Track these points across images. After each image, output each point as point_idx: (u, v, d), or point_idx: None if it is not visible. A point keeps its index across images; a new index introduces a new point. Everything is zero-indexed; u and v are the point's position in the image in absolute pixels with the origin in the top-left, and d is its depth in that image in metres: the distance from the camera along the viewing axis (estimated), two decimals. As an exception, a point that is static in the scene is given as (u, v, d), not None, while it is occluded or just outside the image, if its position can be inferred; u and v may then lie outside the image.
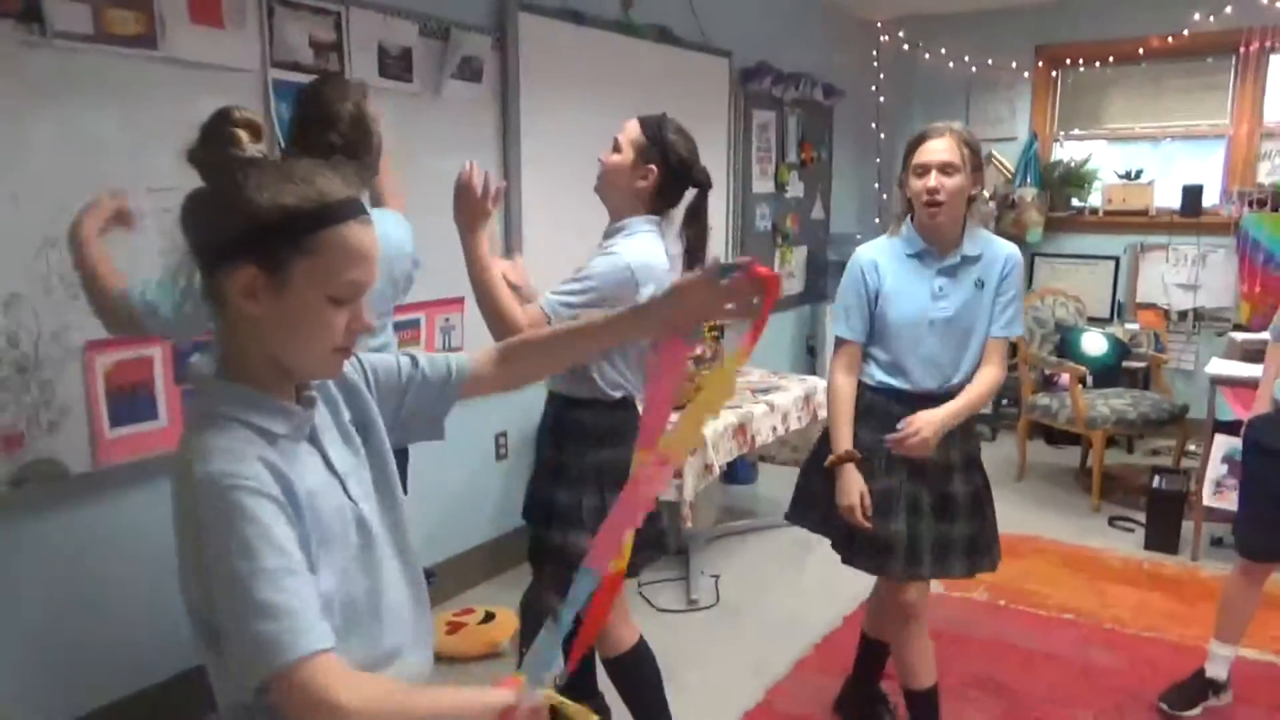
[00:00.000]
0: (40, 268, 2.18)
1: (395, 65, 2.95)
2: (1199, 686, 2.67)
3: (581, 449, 2.14)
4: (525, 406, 3.68)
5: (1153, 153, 5.57)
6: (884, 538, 2.21)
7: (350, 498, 1.10)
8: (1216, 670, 2.66)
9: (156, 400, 2.42)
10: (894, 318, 2.22)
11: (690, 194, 2.15)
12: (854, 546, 2.27)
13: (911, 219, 2.23)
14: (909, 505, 2.23)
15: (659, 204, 2.15)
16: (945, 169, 2.11)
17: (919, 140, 2.18)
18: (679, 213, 2.19)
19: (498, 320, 1.96)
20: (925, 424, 2.13)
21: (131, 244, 2.35)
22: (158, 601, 2.52)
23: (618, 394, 2.14)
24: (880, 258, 2.26)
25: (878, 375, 2.26)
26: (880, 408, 2.23)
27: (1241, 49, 4.95)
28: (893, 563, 2.22)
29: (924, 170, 2.14)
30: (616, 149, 2.13)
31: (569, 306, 2.00)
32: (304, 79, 2.66)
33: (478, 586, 3.50)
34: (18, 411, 2.16)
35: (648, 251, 2.09)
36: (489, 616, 3.14)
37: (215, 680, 1.08)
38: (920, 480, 2.23)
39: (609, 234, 2.16)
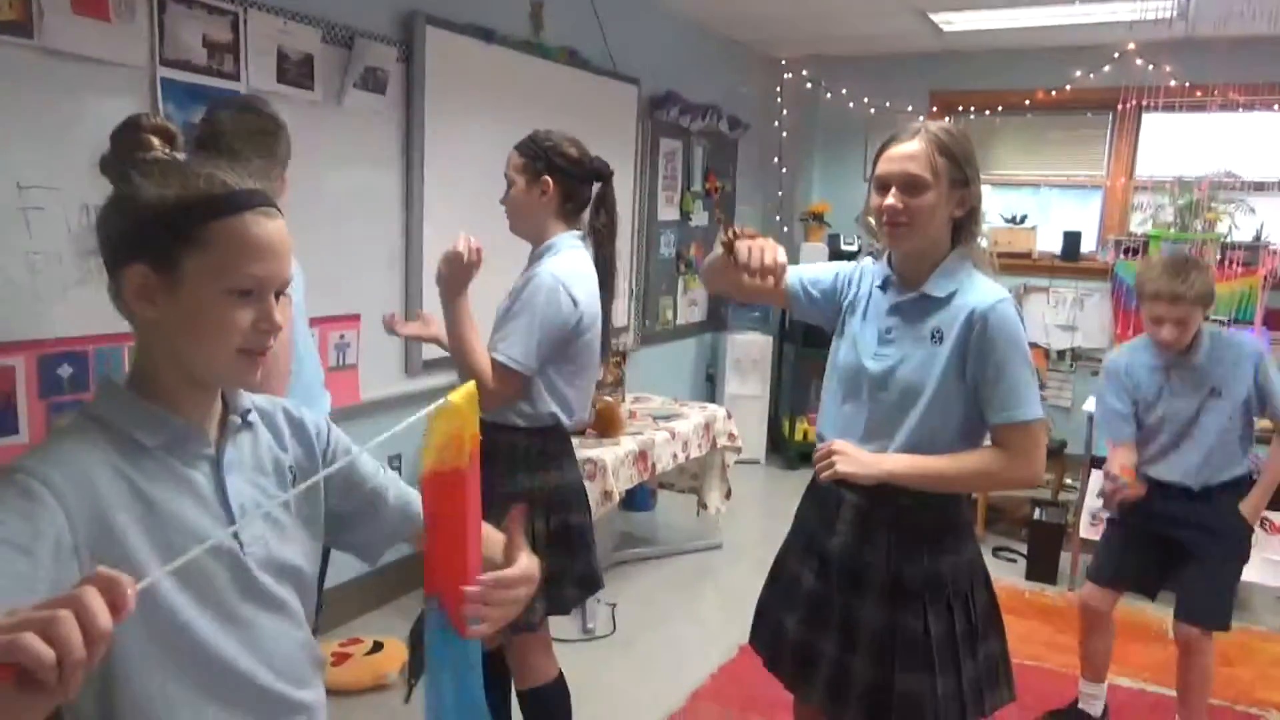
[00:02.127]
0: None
1: (295, 71, 2.84)
2: (1076, 717, 2.77)
3: (511, 474, 2.07)
4: (416, 427, 3.57)
5: (1035, 199, 5.86)
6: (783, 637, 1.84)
7: (236, 536, 1.00)
8: (1091, 707, 2.76)
9: (17, 413, 2.24)
10: (837, 353, 1.83)
11: (596, 187, 2.16)
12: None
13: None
14: (811, 606, 1.80)
15: (570, 210, 2.15)
16: (909, 185, 1.63)
17: (886, 143, 1.70)
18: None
19: (476, 377, 1.93)
20: (844, 450, 1.69)
21: (13, 246, 2.18)
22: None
23: (549, 420, 2.10)
24: (867, 271, 1.84)
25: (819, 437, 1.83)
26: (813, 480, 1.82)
27: (1119, 106, 5.26)
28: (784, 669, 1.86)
29: (883, 184, 1.67)
30: (510, 184, 2.12)
31: (526, 349, 2.00)
32: (196, 79, 2.55)
33: (365, 615, 3.36)
34: None
35: (573, 262, 2.09)
36: (377, 646, 3.02)
37: None
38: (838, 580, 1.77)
39: (534, 259, 2.16)
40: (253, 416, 1.07)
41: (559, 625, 3.35)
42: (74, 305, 2.23)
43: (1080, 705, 2.78)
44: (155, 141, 0.98)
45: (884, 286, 1.77)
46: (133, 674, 0.92)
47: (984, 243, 1.82)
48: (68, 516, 0.87)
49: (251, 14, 2.69)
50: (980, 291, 1.66)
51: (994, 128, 5.87)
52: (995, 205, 5.88)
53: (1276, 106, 5.02)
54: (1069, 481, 4.86)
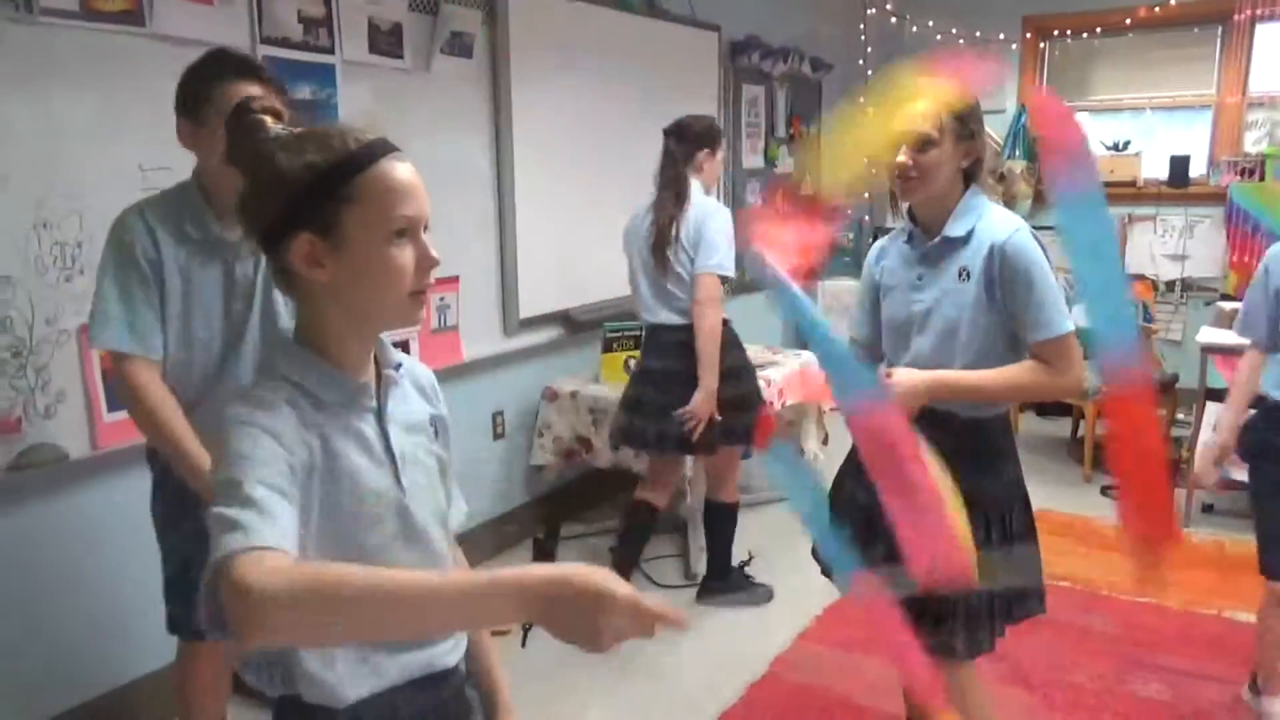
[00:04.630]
0: (32, 249, 2.15)
1: (385, 41, 2.92)
2: None
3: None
4: (523, 386, 3.68)
5: (1138, 123, 5.59)
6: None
7: (400, 484, 1.08)
8: None
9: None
10: (884, 313, 1.98)
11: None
12: None
13: None
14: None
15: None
16: (919, 143, 1.77)
17: None
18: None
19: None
20: (901, 376, 1.79)
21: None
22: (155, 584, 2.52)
23: None
24: (887, 244, 2.01)
25: None
26: None
27: (1234, 17, 4.95)
28: None
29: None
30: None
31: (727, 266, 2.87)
32: (293, 55, 2.64)
33: (477, 567, 3.49)
34: (14, 396, 2.13)
35: None
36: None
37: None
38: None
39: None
40: (402, 370, 1.13)
41: (663, 571, 3.44)
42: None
43: None
44: (269, 121, 1.04)
45: (909, 240, 1.92)
46: None
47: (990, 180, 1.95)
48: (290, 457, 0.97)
49: (342, -13, 2.77)
50: (996, 226, 1.80)
51: (1091, 50, 5.61)
52: (1096, 132, 5.64)
53: None
54: (1181, 417, 4.70)
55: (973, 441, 1.84)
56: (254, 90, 1.66)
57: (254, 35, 2.56)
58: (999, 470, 1.89)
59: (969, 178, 1.85)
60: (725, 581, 3.24)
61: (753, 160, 5.10)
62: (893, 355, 1.95)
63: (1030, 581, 1.94)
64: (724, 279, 2.88)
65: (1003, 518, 1.87)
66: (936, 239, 1.84)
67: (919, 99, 1.73)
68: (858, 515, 1.92)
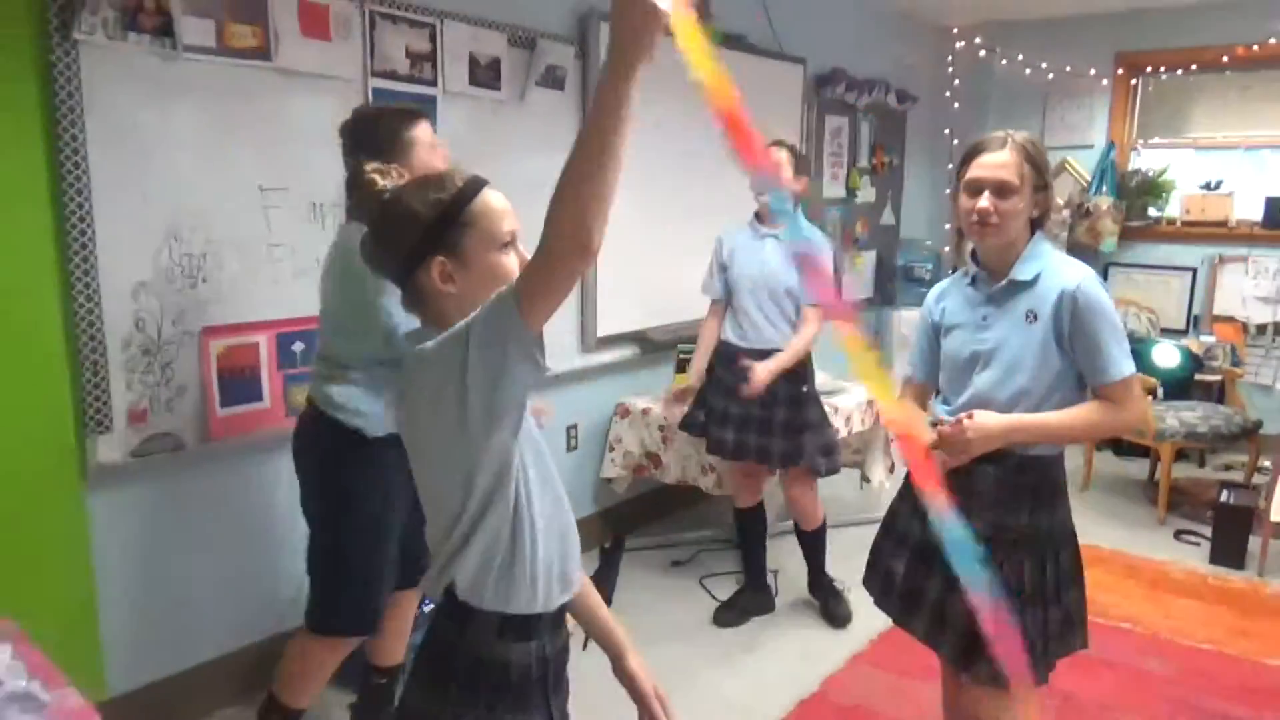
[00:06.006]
0: (164, 259, 2.39)
1: (484, 74, 3.12)
2: None
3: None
4: (597, 401, 3.83)
5: (1235, 162, 5.48)
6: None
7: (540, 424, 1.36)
8: None
9: (261, 383, 2.62)
10: (945, 351, 2.04)
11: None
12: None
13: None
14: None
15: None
16: (1000, 189, 1.85)
17: (974, 151, 1.92)
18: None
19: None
20: (981, 418, 1.87)
21: (257, 239, 2.57)
22: (259, 564, 2.75)
23: None
24: (948, 286, 2.10)
25: (940, 415, 2.02)
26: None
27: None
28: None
29: (976, 188, 1.88)
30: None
31: None
32: (400, 87, 2.86)
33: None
34: (143, 390, 2.38)
35: None
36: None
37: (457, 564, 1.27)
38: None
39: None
40: None
41: (724, 589, 3.54)
42: (303, 289, 2.58)
43: None
44: (379, 179, 1.32)
45: (973, 283, 2.00)
46: (534, 497, 1.28)
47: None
48: None
49: (448, 24, 2.98)
50: (1064, 272, 1.88)
51: (1186, 87, 5.53)
52: (1191, 170, 5.55)
53: None
54: (1265, 464, 4.58)
55: (1033, 479, 1.93)
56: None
57: (365, 68, 2.79)
58: (1055, 507, 1.97)
59: (1034, 225, 1.94)
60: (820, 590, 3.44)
61: (834, 190, 5.18)
62: (950, 392, 2.02)
63: (1076, 616, 2.00)
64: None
65: (1057, 554, 1.95)
66: (1004, 281, 1.92)
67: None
68: (912, 549, 2.05)
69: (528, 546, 1.26)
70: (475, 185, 1.27)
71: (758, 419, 3.16)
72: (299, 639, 2.24)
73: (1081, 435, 2.00)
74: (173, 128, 2.39)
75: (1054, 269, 1.89)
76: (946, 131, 6.06)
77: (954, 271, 2.14)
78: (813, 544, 3.40)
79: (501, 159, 3.11)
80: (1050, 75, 5.68)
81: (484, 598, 1.26)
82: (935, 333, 2.08)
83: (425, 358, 1.20)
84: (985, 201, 1.86)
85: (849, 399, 3.88)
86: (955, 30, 5.94)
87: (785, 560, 3.76)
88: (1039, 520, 1.93)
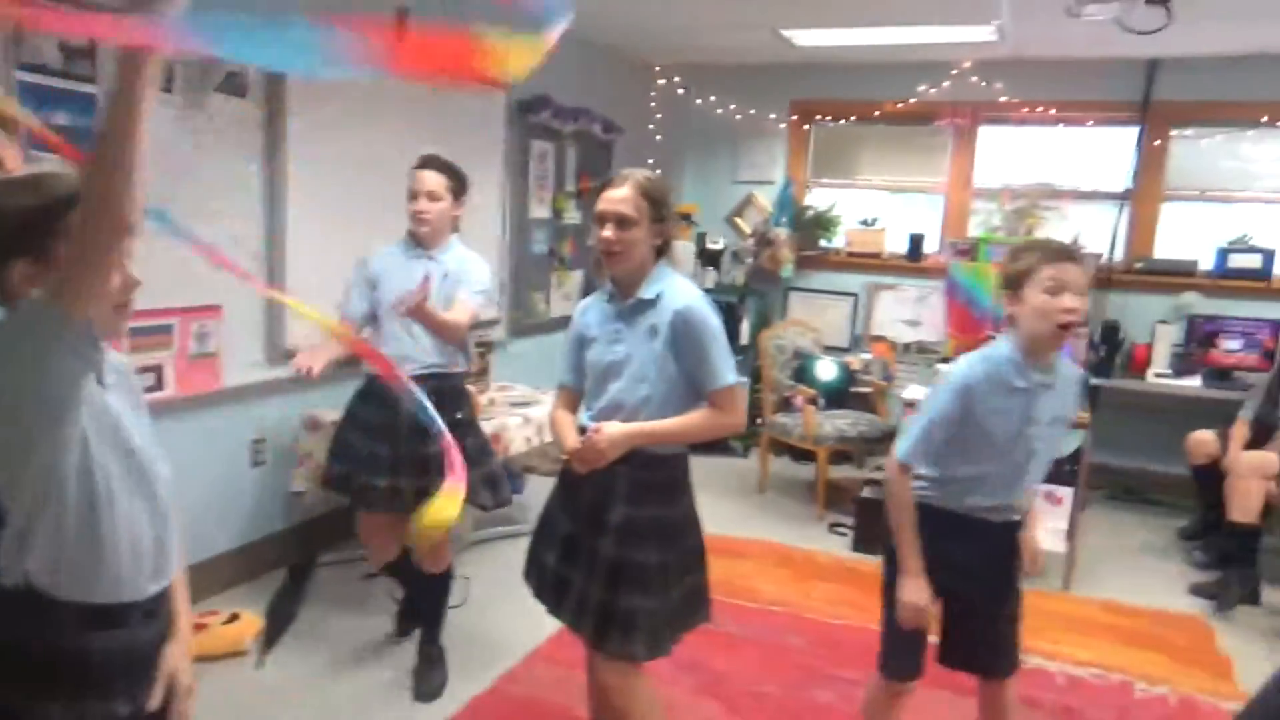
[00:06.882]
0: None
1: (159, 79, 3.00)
2: None
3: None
4: (283, 415, 3.77)
5: (887, 202, 6.33)
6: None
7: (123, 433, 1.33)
8: None
9: None
10: (587, 361, 2.26)
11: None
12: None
13: None
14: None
15: None
16: (621, 221, 2.10)
17: (603, 187, 2.18)
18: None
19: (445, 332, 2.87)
20: (602, 437, 2.10)
21: None
22: None
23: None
24: (592, 302, 2.31)
25: (584, 422, 2.23)
26: None
27: (956, 119, 5.73)
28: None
29: (602, 220, 2.13)
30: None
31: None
32: (55, 83, 2.70)
33: (225, 592, 3.54)
34: None
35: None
36: (233, 617, 3.21)
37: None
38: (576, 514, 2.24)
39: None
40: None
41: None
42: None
43: None
44: None
45: (610, 300, 2.23)
46: (114, 490, 1.30)
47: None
48: None
49: (107, 21, 2.85)
50: (679, 293, 2.14)
51: (850, 134, 6.30)
52: (854, 208, 6.33)
53: (1090, 123, 5.56)
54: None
55: (661, 475, 2.20)
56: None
57: (8, 58, 2.61)
58: (678, 500, 2.25)
59: (659, 252, 2.21)
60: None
61: (540, 210, 5.41)
62: (592, 398, 2.25)
63: (700, 594, 2.30)
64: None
65: (683, 540, 2.24)
66: (631, 300, 2.16)
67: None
68: (561, 542, 2.27)
69: (107, 537, 1.28)
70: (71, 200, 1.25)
71: (414, 458, 2.89)
72: None
73: (694, 436, 2.19)
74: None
75: (673, 291, 2.14)
76: (650, 162, 6.47)
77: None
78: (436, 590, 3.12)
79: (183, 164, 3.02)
80: (738, 116, 6.27)
81: (61, 588, 1.27)
82: (581, 344, 2.29)
83: None
84: (609, 231, 2.12)
85: (540, 409, 4.07)
86: (657, 69, 6.40)
87: (479, 568, 3.88)
88: (665, 512, 2.20)
